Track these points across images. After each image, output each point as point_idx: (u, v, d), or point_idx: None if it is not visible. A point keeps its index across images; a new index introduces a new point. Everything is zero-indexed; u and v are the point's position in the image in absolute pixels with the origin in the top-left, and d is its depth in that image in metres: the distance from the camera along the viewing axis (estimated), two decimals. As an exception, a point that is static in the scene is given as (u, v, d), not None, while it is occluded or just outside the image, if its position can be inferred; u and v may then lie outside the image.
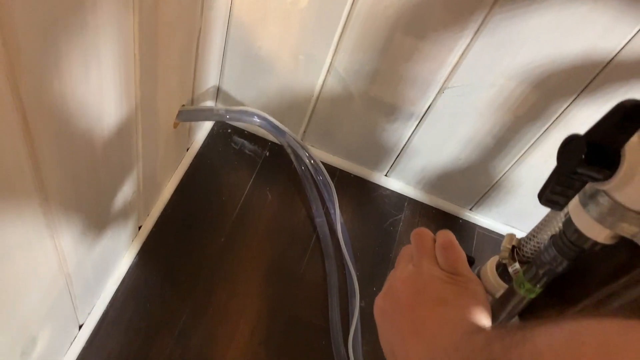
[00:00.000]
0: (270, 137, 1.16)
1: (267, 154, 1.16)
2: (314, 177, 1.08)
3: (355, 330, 0.97)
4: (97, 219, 0.74)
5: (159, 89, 0.77)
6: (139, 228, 0.97)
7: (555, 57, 0.85)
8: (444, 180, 1.14)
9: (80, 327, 0.86)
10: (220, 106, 1.10)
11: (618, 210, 0.35)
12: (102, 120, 0.62)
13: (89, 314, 0.87)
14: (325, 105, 1.07)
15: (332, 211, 1.08)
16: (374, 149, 1.13)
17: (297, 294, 1.01)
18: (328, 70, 1.00)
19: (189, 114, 0.92)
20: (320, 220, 1.09)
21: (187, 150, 1.09)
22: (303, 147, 1.04)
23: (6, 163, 0.47)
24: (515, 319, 0.46)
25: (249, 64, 1.04)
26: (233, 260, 1.01)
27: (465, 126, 1.01)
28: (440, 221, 1.19)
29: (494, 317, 0.48)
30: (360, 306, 1.01)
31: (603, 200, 0.36)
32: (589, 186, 0.37)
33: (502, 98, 0.93)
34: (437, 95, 0.97)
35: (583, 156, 0.33)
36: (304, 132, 1.14)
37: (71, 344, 0.84)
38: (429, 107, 1.00)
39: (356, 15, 0.89)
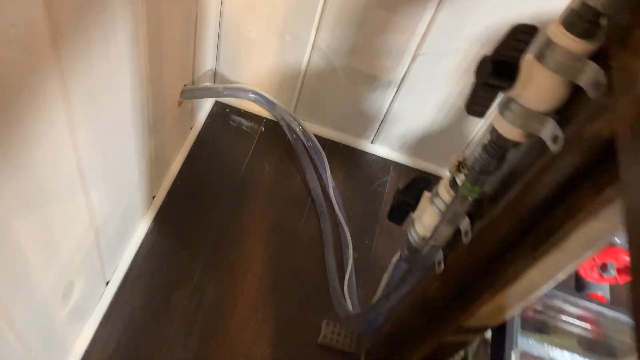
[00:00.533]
0: (265, 114, 1.28)
1: (263, 129, 1.27)
2: (306, 145, 1.20)
3: (350, 277, 1.09)
4: (118, 183, 0.85)
5: (164, 69, 0.89)
6: (153, 198, 1.09)
7: (511, 19, 0.96)
8: (424, 143, 1.26)
9: (107, 283, 0.98)
10: (218, 85, 1.22)
11: (523, 112, 0.47)
12: (119, 92, 0.74)
13: (113, 272, 0.99)
14: (313, 80, 1.19)
15: (324, 176, 1.20)
16: (359, 118, 1.24)
17: (296, 250, 1.13)
18: (312, 48, 1.12)
19: (191, 93, 1.04)
20: (314, 185, 1.20)
21: (191, 129, 1.21)
22: (294, 119, 1.16)
23: (53, 120, 0.58)
24: (466, 219, 0.58)
25: (242, 47, 1.15)
26: (238, 223, 1.13)
27: (438, 91, 1.13)
28: (424, 181, 1.30)
29: (447, 219, 0.60)
30: (353, 257, 1.12)
31: (513, 106, 0.47)
32: (503, 97, 0.48)
33: (467, 62, 1.05)
34: (410, 63, 1.08)
35: (490, 70, 0.44)
36: (295, 106, 1.26)
37: (100, 298, 0.96)
38: (404, 75, 1.11)
39: (333, -5, 1.00)
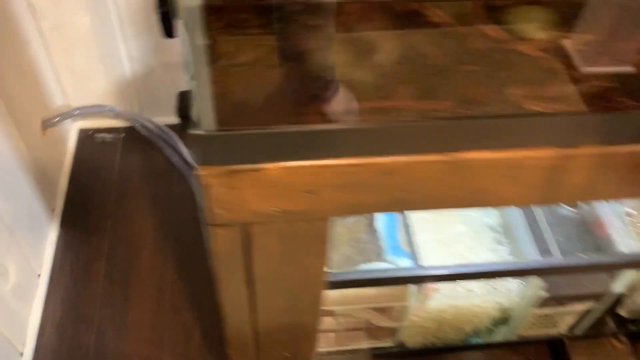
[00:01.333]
0: (120, 124, 1.62)
1: (123, 135, 1.61)
2: (157, 133, 1.54)
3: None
4: (14, 195, 1.17)
5: (17, 110, 1.21)
6: (53, 210, 1.41)
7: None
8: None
9: (39, 276, 1.29)
10: (68, 109, 1.54)
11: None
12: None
13: (41, 267, 1.30)
14: (144, 81, 1.54)
15: (179, 150, 1.55)
16: (191, 99, 1.60)
17: (175, 207, 1.47)
18: (129, 57, 1.47)
19: (48, 122, 1.37)
20: (175, 159, 1.55)
21: (67, 153, 1.53)
22: (140, 116, 1.51)
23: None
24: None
25: (80, 78, 1.49)
26: (126, 208, 1.47)
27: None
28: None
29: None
30: (220, 194, 1.48)
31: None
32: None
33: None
34: (201, 43, 1.45)
35: (158, 3, 0.81)
36: (142, 108, 1.60)
37: (37, 286, 1.27)
38: (202, 53, 1.48)
39: (123, 11, 1.36)
